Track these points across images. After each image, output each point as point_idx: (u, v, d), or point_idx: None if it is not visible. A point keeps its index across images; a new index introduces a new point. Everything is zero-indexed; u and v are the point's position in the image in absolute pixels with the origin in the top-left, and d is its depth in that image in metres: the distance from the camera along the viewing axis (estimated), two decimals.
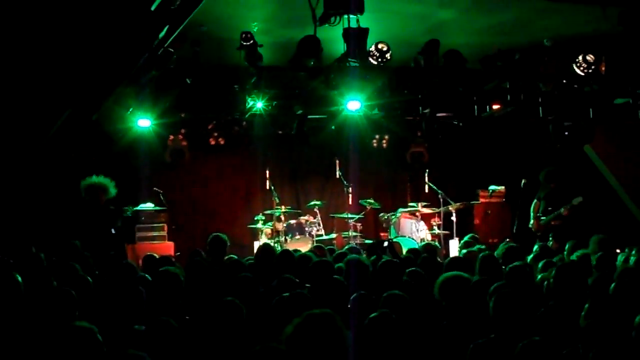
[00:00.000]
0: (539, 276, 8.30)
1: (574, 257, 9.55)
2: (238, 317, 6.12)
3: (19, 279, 6.63)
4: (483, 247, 11.03)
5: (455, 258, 10.13)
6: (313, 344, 4.13)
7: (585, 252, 9.51)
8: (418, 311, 6.86)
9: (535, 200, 14.29)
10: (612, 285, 6.62)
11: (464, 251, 11.18)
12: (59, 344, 4.86)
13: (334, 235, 15.89)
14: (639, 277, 7.26)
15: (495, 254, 9.68)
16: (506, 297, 6.03)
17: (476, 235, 13.33)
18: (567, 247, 10.60)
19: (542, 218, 13.90)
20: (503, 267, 8.43)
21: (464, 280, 7.13)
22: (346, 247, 11.75)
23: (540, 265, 8.78)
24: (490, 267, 8.38)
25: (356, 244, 14.00)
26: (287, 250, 9.48)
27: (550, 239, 13.40)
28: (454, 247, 15.28)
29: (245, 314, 6.19)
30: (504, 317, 5.93)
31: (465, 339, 5.90)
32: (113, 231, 12.00)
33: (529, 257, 9.84)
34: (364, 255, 10.11)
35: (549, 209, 13.86)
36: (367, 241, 15.43)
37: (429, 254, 10.24)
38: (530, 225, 14.25)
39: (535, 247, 10.76)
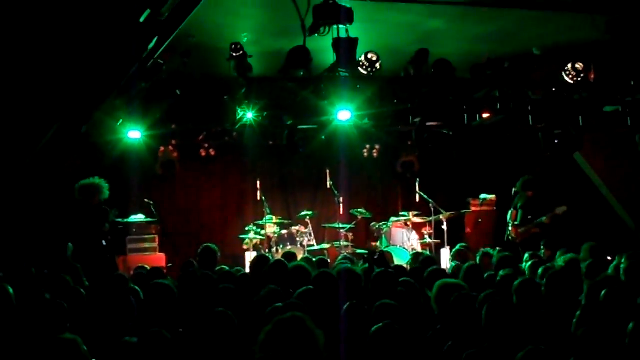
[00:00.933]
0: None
1: (561, 262, 9.56)
2: (230, 328, 6.11)
3: (11, 290, 6.61)
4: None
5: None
6: (284, 347, 4.12)
7: (574, 258, 9.52)
8: (411, 321, 6.85)
9: (511, 210, 14.24)
10: (603, 292, 6.62)
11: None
12: (44, 357, 4.85)
13: (325, 246, 15.86)
14: (630, 285, 7.29)
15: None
16: (497, 306, 6.03)
17: (467, 244, 13.29)
18: (557, 255, 10.61)
19: (522, 227, 13.86)
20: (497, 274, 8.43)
21: (461, 288, 7.13)
22: (340, 257, 11.72)
23: (540, 271, 8.74)
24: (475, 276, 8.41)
25: (348, 253, 13.99)
26: (280, 260, 9.44)
27: (542, 247, 13.37)
28: (445, 256, 15.29)
29: (236, 324, 6.18)
30: (496, 326, 5.92)
31: (459, 348, 5.90)
32: (104, 243, 11.96)
33: (526, 266, 9.82)
34: (358, 266, 10.09)
35: (528, 217, 13.82)
36: (358, 251, 15.42)
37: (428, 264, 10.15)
38: (507, 234, 14.20)
39: (526, 256, 10.75)
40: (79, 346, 4.88)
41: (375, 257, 10.47)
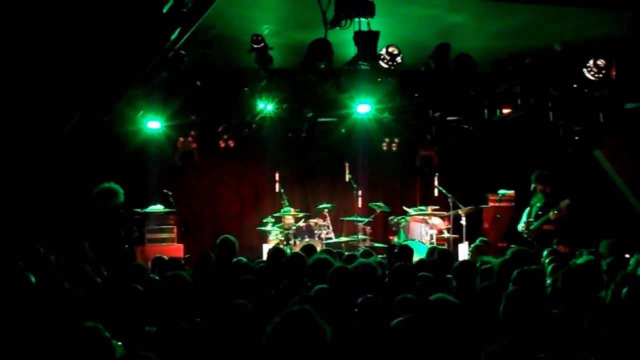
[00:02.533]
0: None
1: (582, 260, 9.51)
2: (247, 319, 6.13)
3: (32, 279, 6.66)
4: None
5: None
6: (291, 340, 4.13)
7: (593, 257, 9.47)
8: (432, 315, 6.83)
9: (528, 208, 14.14)
10: (624, 290, 6.58)
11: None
12: (66, 345, 4.89)
13: (343, 239, 15.86)
14: None
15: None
16: (516, 302, 6.02)
17: (486, 239, 13.25)
18: (577, 253, 10.56)
19: (533, 223, 13.78)
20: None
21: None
22: (360, 250, 11.71)
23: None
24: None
25: (366, 247, 13.99)
26: (298, 253, 9.45)
27: (554, 244, 13.29)
28: (464, 251, 15.26)
29: (253, 316, 6.20)
30: (514, 322, 5.92)
31: (478, 345, 5.88)
32: (123, 233, 12.00)
33: (546, 262, 9.77)
34: (376, 258, 10.10)
35: (539, 213, 13.73)
36: (376, 244, 15.43)
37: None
38: (520, 230, 14.10)
39: (545, 253, 10.69)
40: (101, 332, 4.92)
41: (396, 250, 10.47)
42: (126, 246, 11.83)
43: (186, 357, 5.59)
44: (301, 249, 11.24)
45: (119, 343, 5.31)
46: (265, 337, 4.20)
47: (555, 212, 13.34)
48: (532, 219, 13.81)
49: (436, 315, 6.27)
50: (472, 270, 8.70)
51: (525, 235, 13.88)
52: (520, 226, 14.03)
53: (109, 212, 11.80)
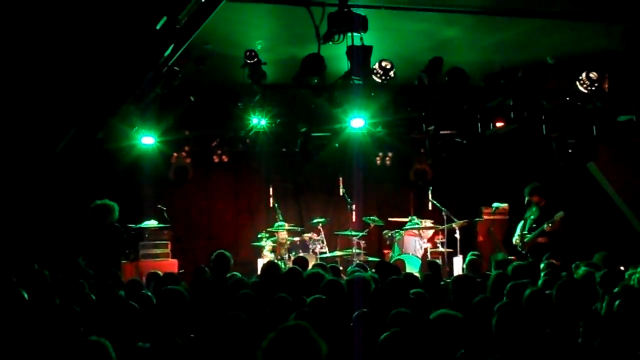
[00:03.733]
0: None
1: (580, 272, 9.51)
2: (241, 332, 6.13)
3: (25, 295, 6.66)
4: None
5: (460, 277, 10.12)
6: (286, 356, 4.13)
7: (590, 270, 9.47)
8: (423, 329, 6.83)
9: (522, 221, 14.15)
10: (617, 302, 6.59)
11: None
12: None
13: (337, 253, 15.86)
14: None
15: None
16: (509, 316, 6.02)
17: (479, 253, 13.25)
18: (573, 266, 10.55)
19: (527, 235, 13.79)
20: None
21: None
22: (352, 266, 11.71)
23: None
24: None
25: (360, 261, 14.00)
26: (294, 268, 9.43)
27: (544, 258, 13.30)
28: (458, 265, 15.27)
29: (247, 329, 6.20)
30: (507, 336, 5.92)
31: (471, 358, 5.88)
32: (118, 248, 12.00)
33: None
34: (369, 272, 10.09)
35: (534, 225, 13.74)
36: (370, 258, 15.43)
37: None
38: (514, 243, 14.11)
39: (542, 265, 10.69)
40: (107, 349, 4.93)
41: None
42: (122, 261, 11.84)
43: None
44: (293, 262, 11.26)
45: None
46: (260, 352, 4.20)
47: (550, 224, 13.35)
48: (526, 232, 13.82)
49: (439, 331, 6.26)
50: (470, 285, 8.73)
51: (520, 248, 13.89)
52: (515, 239, 14.04)
53: (104, 229, 11.79)
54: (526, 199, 14.13)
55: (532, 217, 13.81)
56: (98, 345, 4.93)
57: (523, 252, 13.77)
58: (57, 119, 10.01)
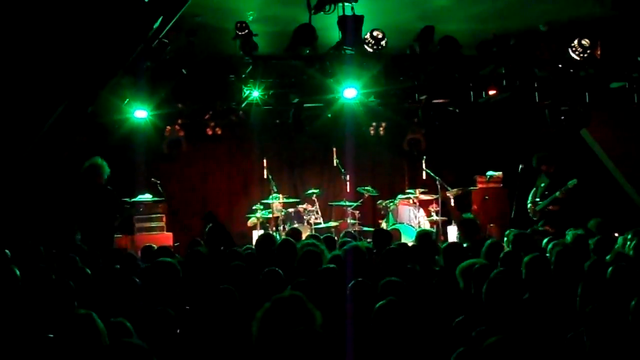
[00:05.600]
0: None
1: (569, 238, 9.52)
2: (233, 304, 6.15)
3: (17, 272, 6.66)
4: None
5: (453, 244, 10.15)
6: (280, 325, 4.14)
7: (581, 234, 9.49)
8: (418, 298, 6.86)
9: (534, 188, 14.18)
10: (610, 269, 6.62)
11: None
12: (59, 332, 4.89)
13: (332, 223, 15.89)
14: (636, 262, 7.29)
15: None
16: (498, 283, 6.05)
17: (473, 218, 13.28)
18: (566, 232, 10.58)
19: (539, 203, 13.83)
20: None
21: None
22: (342, 234, 11.74)
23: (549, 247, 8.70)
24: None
25: (354, 231, 14.04)
26: (288, 240, 9.43)
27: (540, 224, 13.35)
28: (453, 233, 15.32)
29: (239, 300, 6.22)
30: (495, 303, 5.95)
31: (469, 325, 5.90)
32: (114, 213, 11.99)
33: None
34: (363, 242, 10.11)
35: (546, 193, 13.77)
36: (365, 228, 15.47)
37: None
38: (528, 211, 14.17)
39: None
40: (94, 320, 4.91)
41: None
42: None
43: (174, 344, 5.59)
44: (287, 233, 11.27)
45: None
46: (255, 322, 4.22)
47: (564, 191, 13.40)
48: (539, 199, 13.88)
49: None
50: (459, 251, 8.78)
51: (532, 216, 13.94)
52: (529, 206, 14.08)
53: (96, 190, 11.75)
54: (520, 166, 14.18)
55: (542, 184, 13.86)
56: (85, 318, 4.91)
57: (534, 219, 13.83)
58: (47, 93, 9.96)
